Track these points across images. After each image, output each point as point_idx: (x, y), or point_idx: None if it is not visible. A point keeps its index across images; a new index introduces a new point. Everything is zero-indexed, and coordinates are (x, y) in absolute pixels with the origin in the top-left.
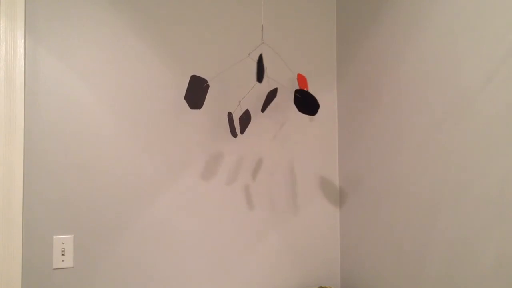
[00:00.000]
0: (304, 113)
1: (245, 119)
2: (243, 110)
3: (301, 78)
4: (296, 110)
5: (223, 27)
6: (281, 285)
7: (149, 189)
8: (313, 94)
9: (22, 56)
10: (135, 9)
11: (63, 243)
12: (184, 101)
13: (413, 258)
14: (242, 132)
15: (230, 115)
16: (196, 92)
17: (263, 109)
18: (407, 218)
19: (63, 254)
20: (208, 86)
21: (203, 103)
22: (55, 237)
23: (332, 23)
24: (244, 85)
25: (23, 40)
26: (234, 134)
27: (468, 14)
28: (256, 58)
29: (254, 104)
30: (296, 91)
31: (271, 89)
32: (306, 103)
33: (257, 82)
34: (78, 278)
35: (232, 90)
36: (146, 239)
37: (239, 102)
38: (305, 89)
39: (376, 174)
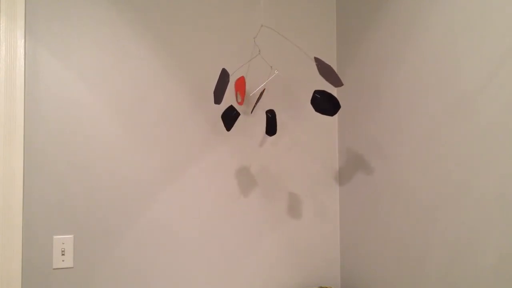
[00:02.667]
0: (322, 113)
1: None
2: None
3: (238, 83)
4: (296, 110)
5: (223, 27)
6: (281, 285)
7: (149, 189)
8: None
9: (22, 56)
10: (135, 9)
11: (63, 243)
12: (184, 101)
13: (413, 258)
14: (229, 129)
15: (272, 113)
16: (220, 87)
17: (251, 111)
18: (407, 218)
19: (63, 254)
20: (228, 81)
21: (222, 99)
22: (55, 237)
23: (332, 23)
24: (247, 84)
25: (23, 40)
26: (272, 133)
27: (468, 14)
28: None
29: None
30: (316, 92)
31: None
32: (325, 103)
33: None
34: (78, 278)
35: (232, 92)
36: (146, 239)
37: (250, 95)
38: (325, 90)
39: (376, 174)
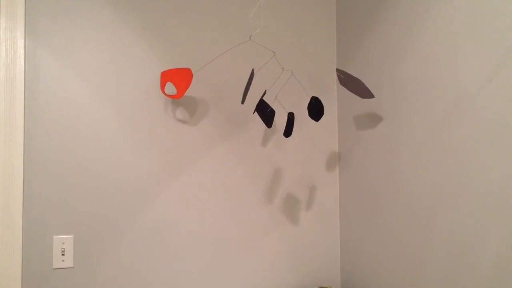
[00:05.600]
0: (311, 117)
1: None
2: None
3: (163, 76)
4: (296, 110)
5: (223, 28)
6: (281, 285)
7: (149, 188)
8: (313, 94)
9: (22, 56)
10: (135, 9)
11: (63, 243)
12: (184, 101)
13: (413, 258)
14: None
15: (292, 115)
16: (248, 87)
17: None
18: (407, 219)
19: (63, 254)
20: (251, 82)
21: (244, 99)
22: (55, 237)
23: (332, 23)
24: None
25: (23, 40)
26: (290, 134)
27: (468, 14)
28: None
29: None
30: (312, 98)
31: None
32: (316, 109)
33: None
34: (78, 278)
35: (232, 91)
36: (146, 239)
37: (275, 96)
38: (318, 97)
39: (376, 174)
